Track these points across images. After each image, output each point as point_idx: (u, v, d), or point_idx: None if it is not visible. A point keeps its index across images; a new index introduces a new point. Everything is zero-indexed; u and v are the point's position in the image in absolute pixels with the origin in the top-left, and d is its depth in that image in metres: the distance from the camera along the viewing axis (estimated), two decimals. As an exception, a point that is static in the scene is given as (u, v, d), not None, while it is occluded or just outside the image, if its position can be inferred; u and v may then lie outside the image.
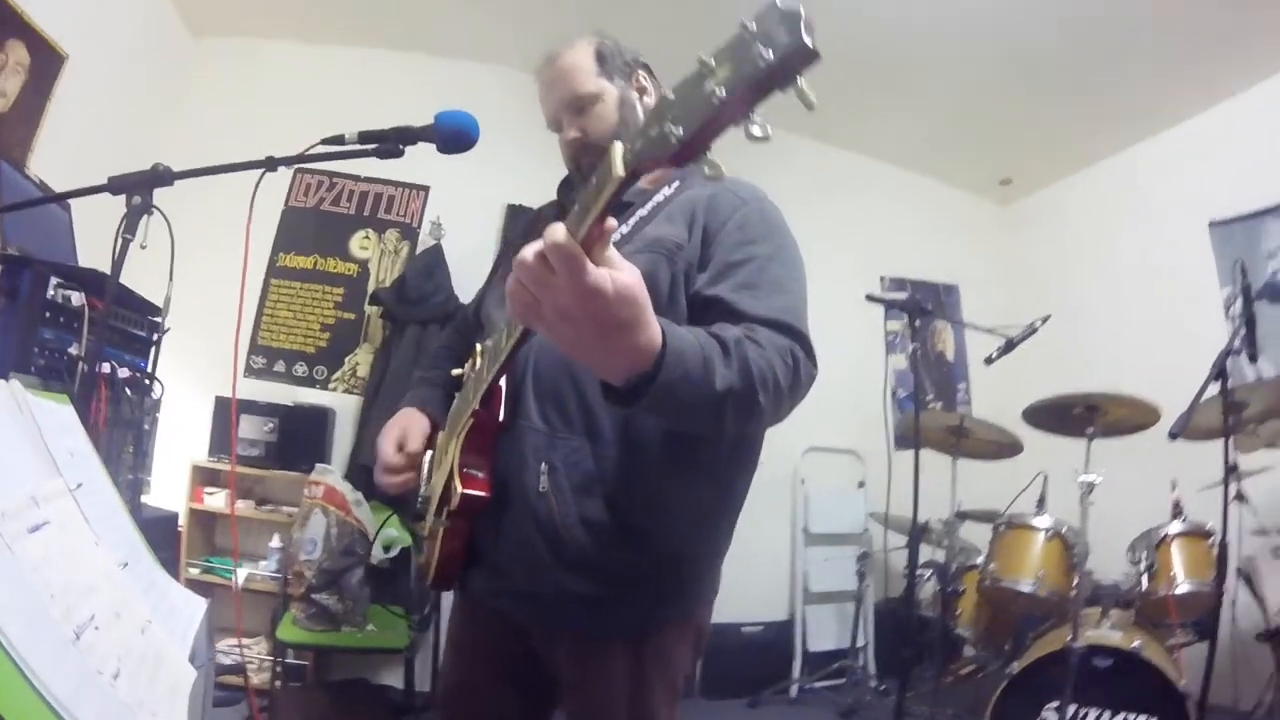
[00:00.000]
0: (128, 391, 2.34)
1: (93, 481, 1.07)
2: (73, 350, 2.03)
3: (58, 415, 1.11)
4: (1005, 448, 3.06)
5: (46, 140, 2.97)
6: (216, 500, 3.47)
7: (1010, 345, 2.89)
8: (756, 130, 0.70)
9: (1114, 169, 4.38)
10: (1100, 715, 2.38)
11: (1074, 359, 3.96)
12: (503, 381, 1.33)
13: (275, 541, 3.43)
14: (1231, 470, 2.29)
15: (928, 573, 3.38)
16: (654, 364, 0.94)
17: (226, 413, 3.55)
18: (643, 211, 1.42)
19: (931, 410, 4.42)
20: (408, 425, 1.60)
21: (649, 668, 1.43)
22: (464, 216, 3.99)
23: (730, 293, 1.23)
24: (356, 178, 3.99)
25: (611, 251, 0.86)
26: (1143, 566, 2.61)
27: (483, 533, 1.40)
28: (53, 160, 2.88)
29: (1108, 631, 2.51)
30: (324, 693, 3.09)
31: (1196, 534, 2.60)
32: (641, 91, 1.52)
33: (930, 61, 3.64)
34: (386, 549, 3.02)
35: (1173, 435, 2.31)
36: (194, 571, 3.33)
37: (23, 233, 2.27)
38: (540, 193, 3.85)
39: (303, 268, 3.93)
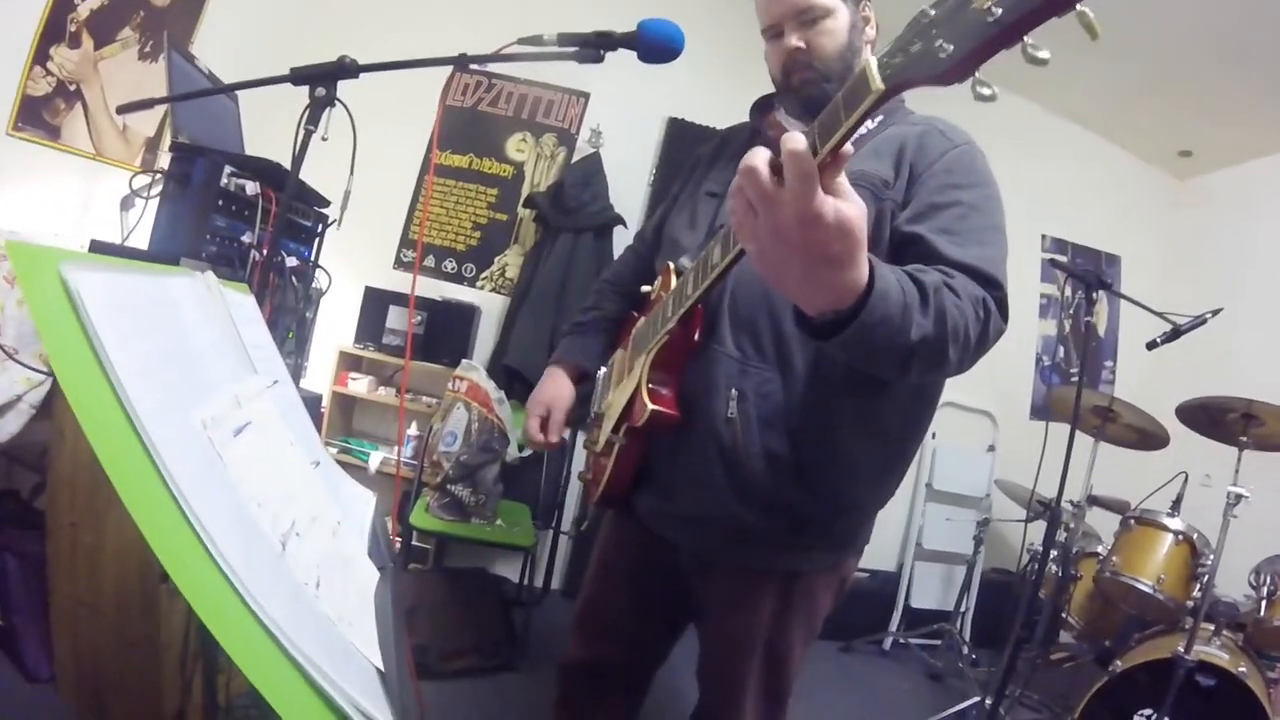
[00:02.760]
0: (294, 281, 2.45)
1: (280, 376, 1.13)
2: (245, 238, 2.11)
3: (244, 307, 1.16)
4: (1150, 439, 2.89)
5: (207, 32, 3.04)
6: (359, 385, 3.63)
7: (1177, 333, 2.69)
8: (986, 90, 0.68)
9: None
10: None
11: (1231, 359, 3.67)
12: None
13: (413, 429, 3.60)
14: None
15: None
16: (855, 304, 0.90)
17: (375, 302, 3.69)
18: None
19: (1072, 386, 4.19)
20: (553, 400, 1.66)
21: (795, 606, 1.47)
22: (623, 126, 3.94)
23: (932, 234, 1.19)
24: (515, 80, 3.98)
25: (842, 180, 0.81)
26: (1264, 591, 2.49)
27: (659, 454, 1.42)
28: (212, 52, 2.95)
29: (1217, 650, 2.41)
30: (444, 577, 3.26)
31: None
32: (865, 21, 1.44)
33: (1124, 14, 3.30)
34: (521, 448, 3.13)
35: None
36: (332, 451, 3.51)
37: (193, 122, 2.34)
38: (703, 109, 3.79)
39: (458, 166, 3.98)
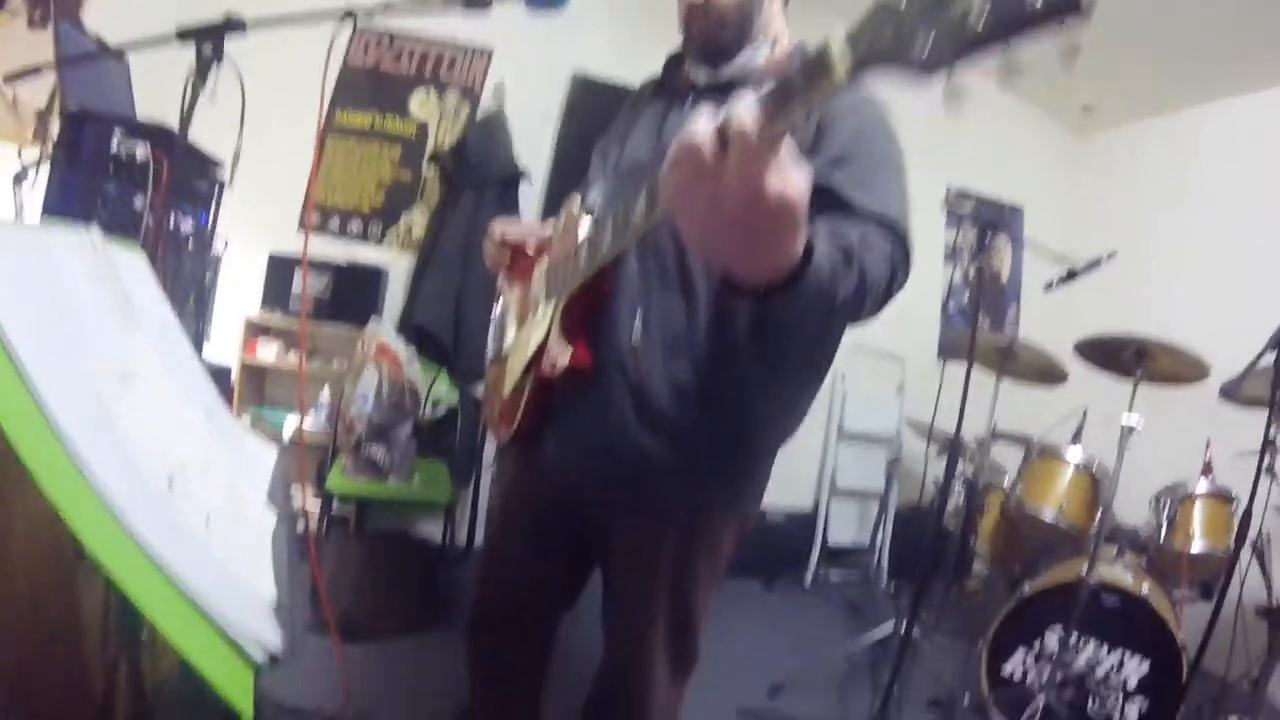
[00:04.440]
0: (190, 245, 2.36)
1: (170, 331, 1.10)
2: (137, 204, 2.05)
3: (133, 264, 1.13)
4: (1049, 375, 3.01)
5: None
6: (268, 352, 3.56)
7: (1072, 275, 2.81)
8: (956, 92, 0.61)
9: (1205, 119, 4.10)
10: (1100, 648, 2.48)
11: (1126, 302, 3.82)
12: None
13: (325, 395, 3.53)
14: (1269, 443, 2.26)
15: (955, 486, 3.41)
16: (788, 276, 0.89)
17: (280, 269, 3.62)
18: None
19: (981, 329, 4.34)
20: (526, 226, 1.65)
21: (699, 544, 1.49)
22: (528, 84, 3.90)
23: (844, 186, 1.20)
24: (417, 38, 3.88)
25: (784, 153, 0.77)
26: (1164, 518, 2.64)
27: (566, 388, 1.41)
28: (103, 13, 2.81)
29: (1120, 572, 2.57)
30: (364, 543, 3.23)
31: (1221, 498, 2.61)
32: None
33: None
34: (434, 406, 3.10)
35: (1224, 394, 2.28)
36: (244, 420, 3.44)
37: (83, 89, 2.25)
38: (611, 65, 3.74)
39: (360, 126, 3.90)
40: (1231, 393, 2.32)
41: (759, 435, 1.45)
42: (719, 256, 0.87)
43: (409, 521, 3.55)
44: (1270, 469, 2.27)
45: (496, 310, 1.68)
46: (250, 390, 3.67)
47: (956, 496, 3.20)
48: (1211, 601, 2.37)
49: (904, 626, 2.50)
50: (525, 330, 1.50)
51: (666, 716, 1.82)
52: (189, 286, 2.43)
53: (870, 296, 1.10)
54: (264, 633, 0.63)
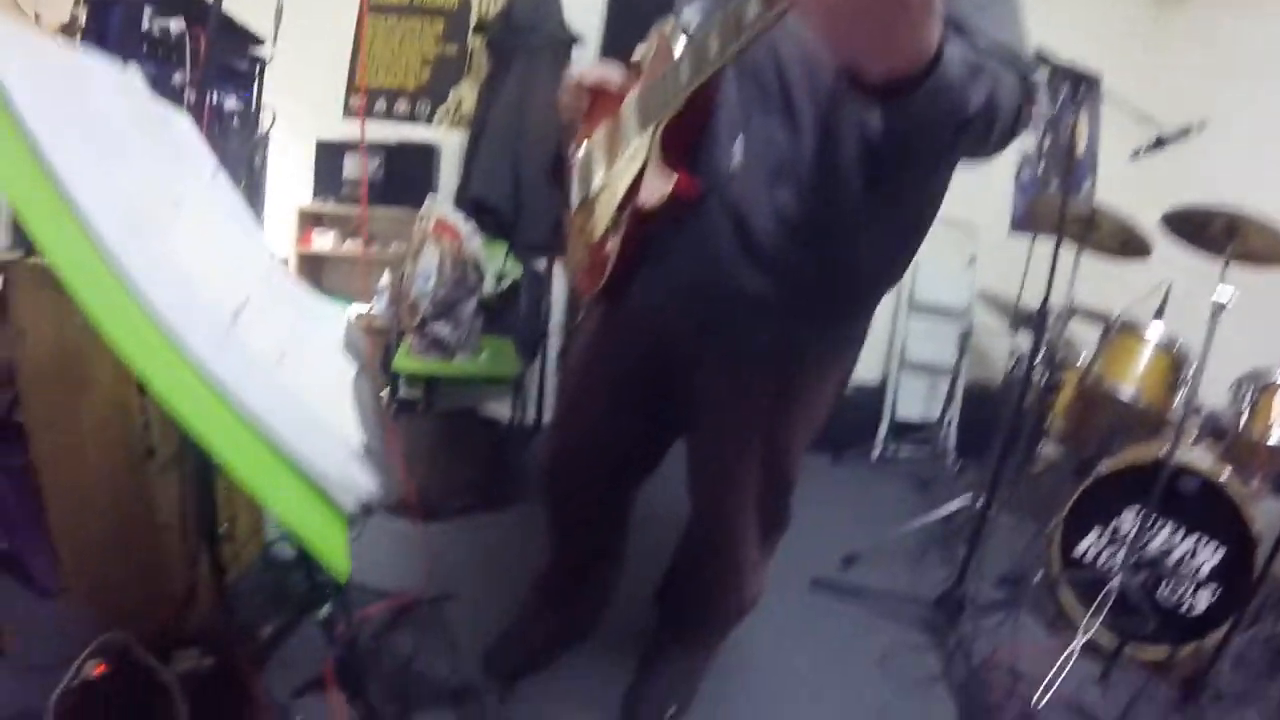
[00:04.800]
0: (236, 123, 2.30)
1: (221, 178, 1.03)
2: (175, 79, 1.97)
3: (178, 117, 1.06)
4: (1132, 247, 2.82)
5: None
6: (324, 241, 3.52)
7: (1161, 143, 2.57)
8: None
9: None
10: (1175, 533, 2.39)
11: (1207, 180, 3.42)
12: None
13: (384, 279, 3.50)
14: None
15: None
16: (923, 68, 0.82)
17: (329, 156, 3.57)
18: None
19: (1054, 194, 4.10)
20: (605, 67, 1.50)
21: (796, 394, 1.44)
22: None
23: (968, 11, 1.06)
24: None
25: None
26: (1244, 405, 2.51)
27: (662, 227, 1.32)
28: None
29: (1200, 456, 2.45)
30: (434, 424, 3.24)
31: None
32: None
33: None
34: (498, 281, 3.05)
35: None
36: None
37: None
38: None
39: (398, 3, 3.74)
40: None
41: (864, 276, 1.36)
42: (849, 41, 0.79)
43: (477, 400, 3.56)
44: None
45: (578, 154, 1.57)
46: (309, 283, 3.62)
47: (1034, 367, 3.08)
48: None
49: (982, 500, 2.44)
50: (616, 168, 1.38)
51: (755, 584, 1.82)
52: (239, 167, 2.38)
53: (999, 124, 1.00)
54: (355, 477, 0.57)
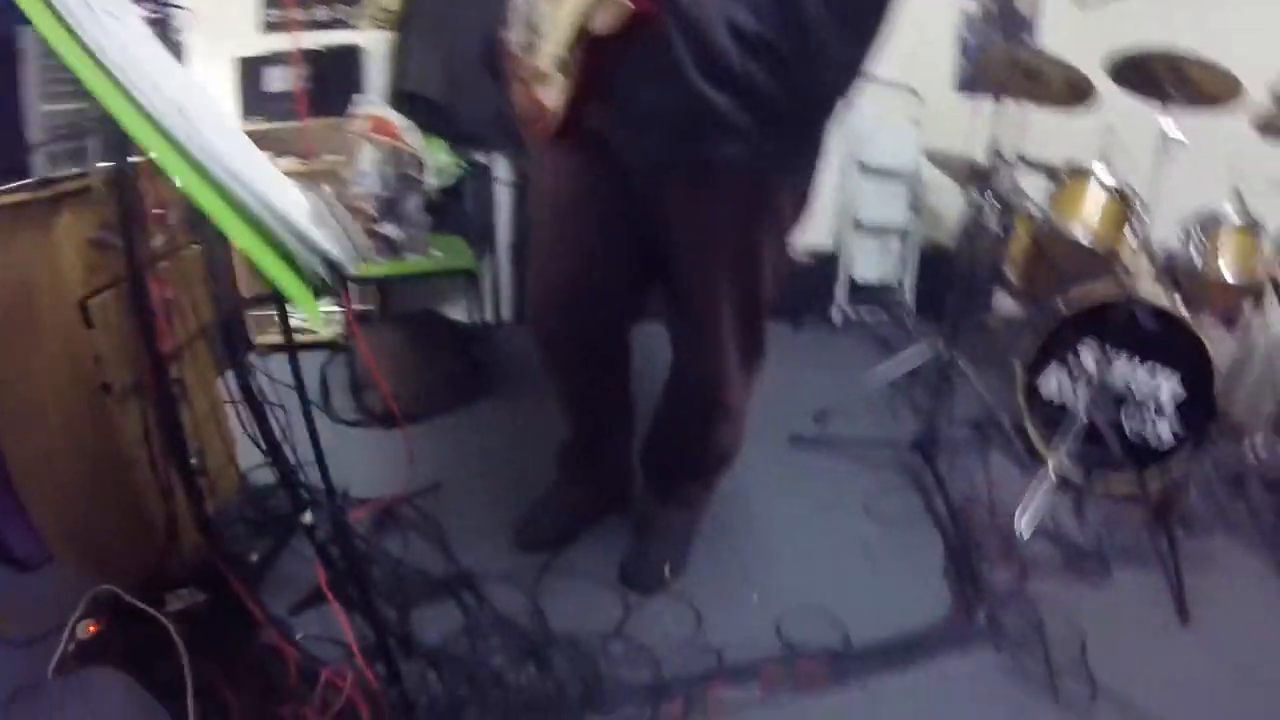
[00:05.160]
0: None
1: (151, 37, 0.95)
2: None
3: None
4: (1077, 92, 2.78)
5: None
6: (261, 164, 3.33)
7: None
8: None
9: None
10: (1136, 366, 2.46)
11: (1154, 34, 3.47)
12: None
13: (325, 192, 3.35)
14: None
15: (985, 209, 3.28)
16: None
17: (251, 72, 3.36)
18: None
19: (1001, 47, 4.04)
20: None
21: (760, 215, 1.49)
22: None
23: None
24: None
25: None
26: (1194, 245, 2.54)
27: (618, 53, 1.29)
28: None
29: (1156, 291, 2.50)
30: (393, 329, 3.15)
31: (1250, 229, 2.50)
32: None
33: None
34: (439, 175, 2.95)
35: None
36: None
37: None
38: None
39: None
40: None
41: (819, 87, 1.38)
42: None
43: (433, 300, 3.48)
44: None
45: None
46: None
47: (987, 220, 3.09)
48: (1235, 331, 2.37)
49: (945, 348, 2.47)
50: (563, 7, 1.33)
51: (736, 428, 1.87)
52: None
53: None
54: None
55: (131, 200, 1.34)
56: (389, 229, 2.75)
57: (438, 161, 2.95)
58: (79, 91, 1.48)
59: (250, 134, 3.04)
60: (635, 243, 1.61)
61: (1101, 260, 2.62)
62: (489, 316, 3.57)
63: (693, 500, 2.02)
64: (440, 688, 1.50)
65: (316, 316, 0.61)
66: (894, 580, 1.98)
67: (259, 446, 1.36)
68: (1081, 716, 1.54)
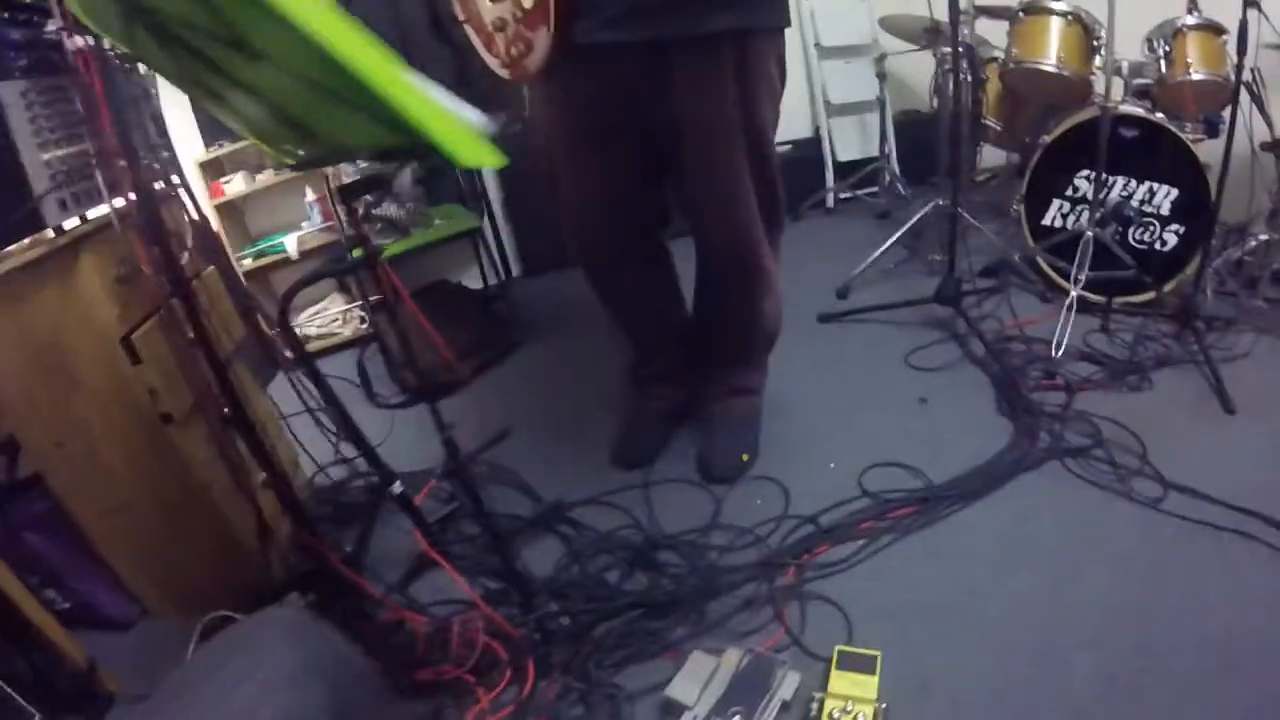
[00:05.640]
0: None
1: None
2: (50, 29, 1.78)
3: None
4: None
5: None
6: (236, 185, 3.28)
7: None
8: None
9: None
10: (1127, 184, 2.52)
11: None
12: None
13: (308, 194, 3.38)
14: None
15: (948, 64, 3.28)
16: None
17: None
18: None
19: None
20: None
21: (751, 66, 1.60)
22: None
23: None
24: None
25: None
26: (1160, 53, 2.53)
27: None
28: None
29: (1134, 105, 2.53)
30: (415, 303, 3.18)
31: (1211, 29, 2.49)
32: None
33: None
34: (421, 147, 2.96)
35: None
36: (247, 263, 3.27)
37: None
38: None
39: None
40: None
41: None
42: None
43: (444, 271, 3.52)
44: (1255, 2, 2.14)
45: None
46: (237, 231, 3.45)
47: (956, 74, 3.11)
48: (1219, 138, 2.35)
49: (949, 197, 2.51)
50: None
51: (776, 279, 1.95)
52: (144, 108, 2.21)
53: None
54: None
55: (158, 223, 1.31)
56: (388, 209, 2.78)
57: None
58: (74, 136, 1.51)
59: (220, 160, 3.03)
60: (649, 141, 1.69)
61: (1075, 86, 2.66)
62: (500, 275, 3.61)
63: (753, 384, 2.12)
64: (566, 616, 1.54)
65: (495, 160, 0.73)
66: (953, 422, 2.05)
67: (341, 438, 1.53)
68: (1157, 511, 1.62)
